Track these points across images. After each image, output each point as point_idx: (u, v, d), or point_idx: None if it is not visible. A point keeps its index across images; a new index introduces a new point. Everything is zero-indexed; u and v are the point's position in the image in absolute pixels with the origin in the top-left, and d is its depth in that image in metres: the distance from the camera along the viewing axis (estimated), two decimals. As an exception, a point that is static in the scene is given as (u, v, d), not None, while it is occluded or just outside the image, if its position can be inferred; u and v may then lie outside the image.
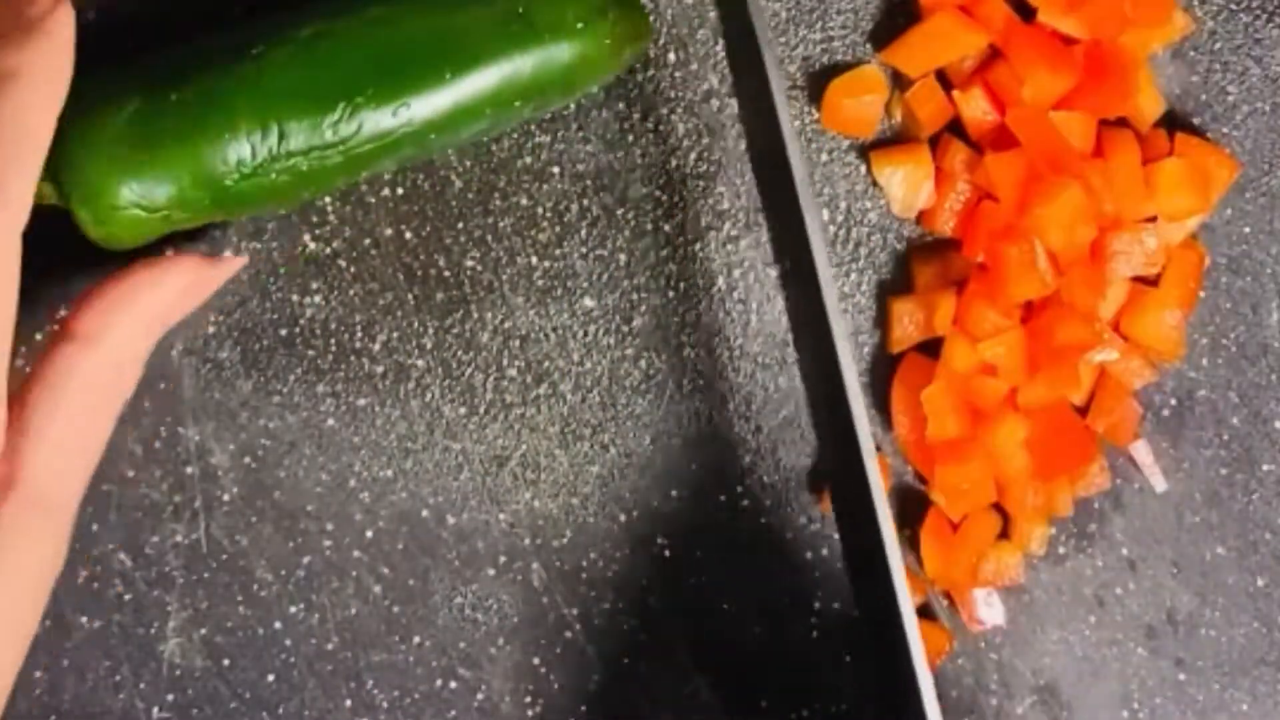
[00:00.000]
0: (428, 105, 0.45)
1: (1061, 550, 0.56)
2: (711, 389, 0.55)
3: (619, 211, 0.54)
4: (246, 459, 0.53)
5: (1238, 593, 0.56)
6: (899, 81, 0.55)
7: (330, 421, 0.53)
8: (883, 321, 0.55)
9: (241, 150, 0.44)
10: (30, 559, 0.39)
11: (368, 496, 0.53)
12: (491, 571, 0.53)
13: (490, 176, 0.54)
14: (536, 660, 0.53)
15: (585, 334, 0.54)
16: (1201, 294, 0.56)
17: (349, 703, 0.53)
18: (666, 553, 0.54)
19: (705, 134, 0.54)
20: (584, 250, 0.53)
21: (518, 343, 0.53)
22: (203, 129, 0.44)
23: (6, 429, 0.39)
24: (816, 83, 0.54)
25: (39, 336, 0.51)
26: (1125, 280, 0.55)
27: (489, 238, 0.53)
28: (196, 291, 0.44)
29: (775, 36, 0.54)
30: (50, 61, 0.41)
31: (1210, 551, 0.56)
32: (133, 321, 0.42)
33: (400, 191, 0.53)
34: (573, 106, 0.53)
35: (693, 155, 0.54)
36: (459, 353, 0.53)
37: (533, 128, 0.54)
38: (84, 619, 0.52)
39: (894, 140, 0.55)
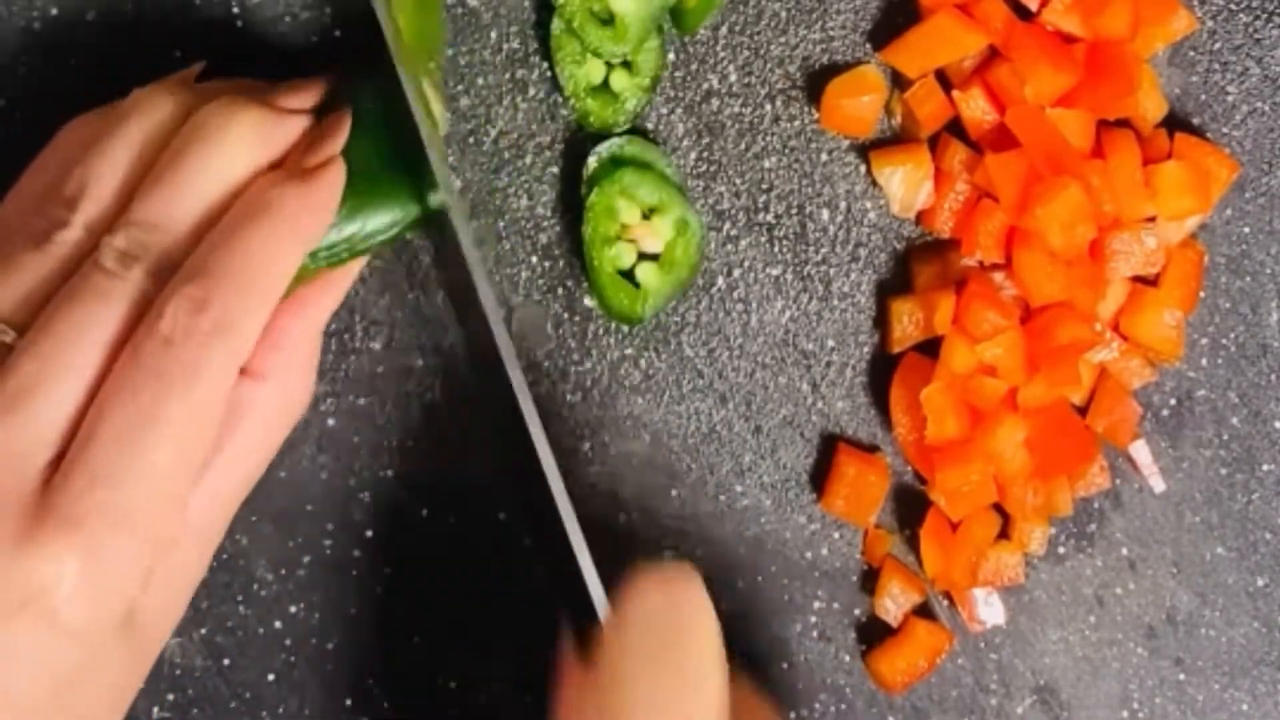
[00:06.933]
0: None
1: (1061, 550, 0.56)
2: (711, 389, 0.55)
3: (619, 211, 0.54)
4: (246, 459, 0.53)
5: (1238, 593, 0.56)
6: (899, 81, 0.55)
7: (330, 421, 0.53)
8: (882, 321, 0.55)
9: None
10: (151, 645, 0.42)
11: (368, 496, 0.53)
12: (491, 571, 0.53)
13: (491, 177, 0.54)
14: (537, 660, 0.53)
15: (585, 334, 0.54)
16: (1201, 294, 0.56)
17: (349, 702, 0.53)
18: (666, 553, 0.54)
19: (705, 134, 0.54)
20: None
21: (517, 342, 0.53)
22: None
23: None
24: (816, 83, 0.54)
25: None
26: (1125, 280, 0.55)
27: (489, 237, 0.53)
28: (343, 285, 0.47)
29: (775, 36, 0.54)
30: (309, 208, 0.42)
31: (1210, 551, 0.56)
32: (300, 342, 0.44)
33: (400, 191, 0.53)
34: (573, 111, 0.53)
35: (693, 155, 0.54)
36: (459, 353, 0.53)
37: (534, 127, 0.54)
38: (84, 619, 0.52)
39: (893, 140, 0.55)
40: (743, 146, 0.54)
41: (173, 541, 0.40)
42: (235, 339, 0.39)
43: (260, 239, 0.40)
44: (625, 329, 0.54)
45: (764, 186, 0.54)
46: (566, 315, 0.54)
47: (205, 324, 0.38)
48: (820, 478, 0.55)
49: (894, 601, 0.54)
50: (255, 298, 0.40)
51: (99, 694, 0.39)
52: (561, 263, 0.54)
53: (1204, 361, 0.56)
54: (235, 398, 0.41)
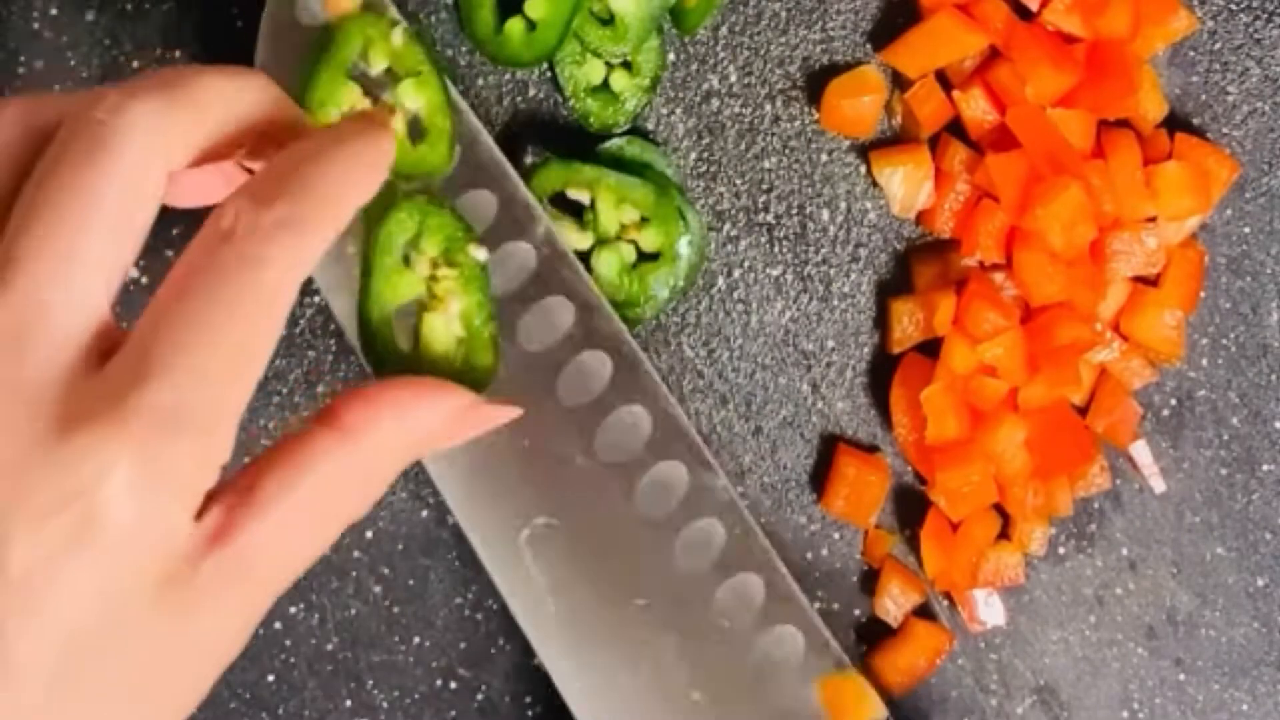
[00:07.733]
0: None
1: (1061, 550, 0.56)
2: (711, 389, 0.55)
3: (619, 211, 0.54)
4: (246, 459, 0.53)
5: (1238, 593, 0.56)
6: (899, 81, 0.55)
7: (330, 422, 0.53)
8: (883, 322, 0.55)
9: None
10: (210, 628, 0.34)
11: (368, 497, 0.53)
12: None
13: (490, 177, 0.54)
14: (536, 660, 0.53)
15: (585, 334, 0.54)
16: (1201, 294, 0.56)
17: (349, 703, 0.53)
18: (666, 553, 0.54)
19: (705, 134, 0.54)
20: (584, 250, 0.53)
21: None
22: None
23: (233, 491, 0.35)
24: (816, 83, 0.54)
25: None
26: (1125, 280, 0.55)
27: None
28: (459, 429, 0.39)
29: (775, 36, 0.54)
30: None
31: (1210, 551, 0.56)
32: (397, 431, 0.38)
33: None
34: (572, 112, 0.53)
35: (693, 155, 0.54)
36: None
37: (534, 127, 0.54)
38: (84, 619, 0.52)
39: (894, 140, 0.55)
40: (743, 146, 0.54)
41: (223, 454, 0.35)
42: (301, 237, 0.35)
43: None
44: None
45: (764, 186, 0.54)
46: (566, 315, 0.54)
47: (268, 219, 0.34)
48: (820, 478, 0.55)
49: (894, 602, 0.54)
50: (321, 198, 0.36)
51: (165, 646, 0.33)
52: (561, 263, 0.54)
53: (1204, 361, 0.56)
54: (311, 440, 0.36)
